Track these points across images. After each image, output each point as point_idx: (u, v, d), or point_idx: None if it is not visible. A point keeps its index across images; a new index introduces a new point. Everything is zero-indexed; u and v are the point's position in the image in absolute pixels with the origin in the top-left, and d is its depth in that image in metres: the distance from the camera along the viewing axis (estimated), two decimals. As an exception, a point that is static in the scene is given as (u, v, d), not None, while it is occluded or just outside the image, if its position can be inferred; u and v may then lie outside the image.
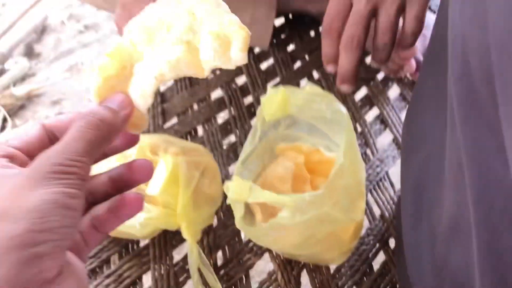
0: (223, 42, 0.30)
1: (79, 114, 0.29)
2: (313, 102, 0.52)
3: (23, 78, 1.53)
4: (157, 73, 0.30)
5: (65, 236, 0.24)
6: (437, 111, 0.36)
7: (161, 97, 0.69)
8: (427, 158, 0.39)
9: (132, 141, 0.33)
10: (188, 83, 0.71)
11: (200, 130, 0.66)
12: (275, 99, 0.52)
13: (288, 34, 0.83)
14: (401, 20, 0.53)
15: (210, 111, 0.67)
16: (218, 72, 0.75)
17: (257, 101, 0.70)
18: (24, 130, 0.30)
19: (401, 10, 0.50)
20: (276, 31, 0.82)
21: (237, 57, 0.30)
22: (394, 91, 0.74)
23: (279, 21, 0.85)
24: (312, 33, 0.83)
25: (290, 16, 0.86)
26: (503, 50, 0.21)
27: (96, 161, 0.31)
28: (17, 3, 2.06)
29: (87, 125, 0.28)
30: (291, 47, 0.81)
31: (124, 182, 0.31)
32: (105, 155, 0.32)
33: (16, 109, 1.38)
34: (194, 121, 0.66)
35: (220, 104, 0.69)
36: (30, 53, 1.67)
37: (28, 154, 0.29)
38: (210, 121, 0.66)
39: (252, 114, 0.68)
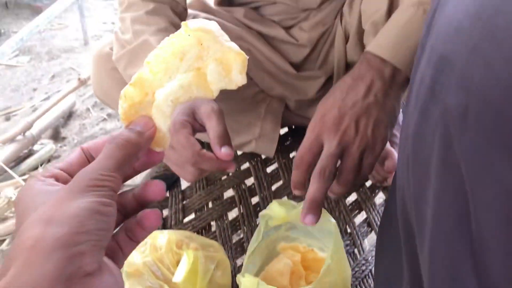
0: (226, 66, 0.35)
1: (111, 137, 0.34)
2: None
3: (49, 160, 1.67)
4: (173, 97, 0.35)
5: (101, 237, 0.29)
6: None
7: (182, 194, 0.81)
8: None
9: (158, 158, 0.37)
10: (205, 183, 0.84)
11: (213, 226, 0.77)
12: (277, 210, 0.64)
13: (291, 142, 0.97)
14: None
15: (222, 208, 0.79)
16: (230, 174, 0.88)
17: (263, 201, 0.82)
18: (69, 155, 0.36)
19: (362, 154, 0.58)
20: (281, 139, 0.96)
21: (238, 79, 0.36)
22: (380, 198, 0.86)
23: (283, 130, 1.00)
24: (312, 143, 0.97)
25: (293, 126, 1.01)
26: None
27: (128, 177, 0.36)
28: (49, 89, 2.27)
29: (116, 146, 0.33)
30: (293, 154, 0.94)
31: (142, 198, 0.36)
32: (136, 171, 0.37)
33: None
34: (209, 217, 0.77)
35: (231, 203, 0.81)
36: (56, 136, 1.83)
37: (70, 173, 0.34)
38: (222, 217, 0.78)
39: (258, 213, 0.80)
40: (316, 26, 0.86)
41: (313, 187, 0.55)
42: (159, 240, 0.60)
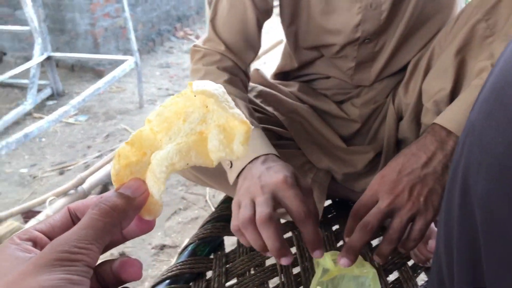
0: (228, 134, 0.32)
1: (97, 200, 0.31)
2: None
3: (96, 215, 1.74)
4: (168, 162, 0.31)
5: None
6: None
7: (225, 258, 0.83)
8: None
9: (147, 227, 0.34)
10: (248, 249, 0.86)
11: (254, 292, 0.78)
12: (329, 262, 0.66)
13: (335, 215, 0.98)
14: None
15: (264, 276, 0.80)
16: (273, 241, 0.89)
17: (304, 272, 0.83)
18: (53, 215, 0.32)
19: (412, 219, 0.62)
20: (324, 211, 0.97)
21: (239, 150, 0.32)
22: (421, 279, 0.85)
23: (327, 202, 1.01)
24: (355, 217, 0.98)
25: (337, 199, 1.03)
26: None
27: (109, 246, 0.33)
28: (102, 147, 2.39)
29: (98, 212, 0.29)
30: (335, 227, 0.95)
31: (118, 275, 0.32)
32: (118, 241, 0.34)
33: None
34: (250, 283, 0.78)
35: (273, 271, 0.82)
36: (105, 192, 1.91)
37: (51, 237, 0.31)
38: (263, 285, 0.79)
39: (299, 283, 0.80)
40: (368, 103, 0.90)
41: (355, 235, 0.61)
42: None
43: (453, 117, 0.64)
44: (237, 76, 0.83)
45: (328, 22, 0.83)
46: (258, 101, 0.95)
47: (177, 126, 0.33)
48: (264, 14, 0.84)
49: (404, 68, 0.87)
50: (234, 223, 0.63)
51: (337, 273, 0.68)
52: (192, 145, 0.32)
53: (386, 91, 0.91)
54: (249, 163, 0.69)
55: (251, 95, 0.96)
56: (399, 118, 0.88)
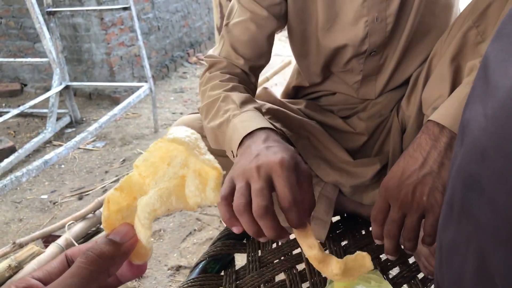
0: (203, 179, 0.32)
1: (86, 248, 0.31)
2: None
3: (113, 238, 1.77)
4: (150, 208, 0.32)
5: None
6: None
7: (235, 274, 0.85)
8: None
9: (139, 271, 0.34)
10: (258, 265, 0.88)
11: (264, 307, 0.80)
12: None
13: (343, 231, 1.00)
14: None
15: (273, 291, 0.82)
16: (283, 257, 0.91)
17: (313, 287, 0.84)
18: (50, 262, 0.33)
19: (422, 217, 0.66)
20: (332, 226, 0.99)
21: (210, 196, 0.32)
22: (432, 291, 0.86)
23: (336, 218, 1.03)
24: (363, 232, 0.99)
25: (345, 215, 1.04)
26: None
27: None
28: (119, 172, 2.44)
29: (85, 261, 0.30)
30: (344, 242, 0.97)
31: None
32: (114, 285, 0.34)
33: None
34: (260, 299, 0.80)
35: (282, 286, 0.84)
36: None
37: (48, 283, 0.31)
38: (273, 300, 0.81)
39: (308, 298, 0.82)
40: (373, 116, 0.93)
41: (386, 244, 0.70)
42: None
43: (445, 112, 0.66)
44: (241, 79, 0.87)
45: (336, 39, 0.86)
46: (267, 117, 0.99)
47: (162, 171, 0.33)
48: (276, 21, 0.87)
49: (407, 82, 0.90)
50: (222, 203, 0.62)
51: (354, 284, 0.70)
52: (173, 190, 0.32)
53: (390, 105, 0.94)
54: (250, 138, 0.69)
55: None
56: (403, 130, 0.90)
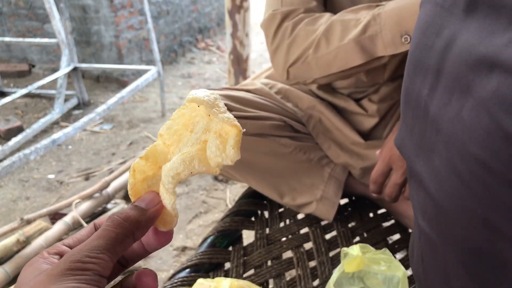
0: (223, 140, 0.32)
1: (113, 214, 0.32)
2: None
3: (120, 217, 1.79)
4: (174, 172, 0.32)
5: None
6: None
7: (243, 250, 0.86)
8: None
9: (165, 239, 0.34)
10: (266, 243, 0.88)
11: (271, 283, 0.80)
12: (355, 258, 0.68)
13: (351, 213, 1.00)
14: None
15: (281, 268, 0.83)
16: (290, 236, 0.92)
17: (320, 265, 0.85)
18: (80, 230, 0.34)
19: None
20: (341, 208, 0.99)
21: (230, 153, 0.32)
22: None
23: (344, 201, 1.03)
24: (371, 214, 0.99)
25: (354, 197, 1.04)
26: None
27: (134, 259, 0.35)
28: (126, 154, 2.45)
29: (111, 224, 0.30)
30: (352, 224, 0.97)
31: (135, 286, 0.33)
32: (142, 254, 0.35)
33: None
34: (267, 274, 0.81)
35: (289, 264, 0.84)
36: (128, 197, 1.96)
37: None
38: (280, 276, 0.81)
39: (315, 276, 0.82)
40: (385, 98, 0.92)
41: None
42: (223, 285, 0.65)
43: None
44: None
45: None
46: (278, 97, 0.98)
47: (186, 138, 0.34)
48: None
49: None
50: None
51: (365, 265, 0.70)
52: (195, 154, 0.32)
53: None
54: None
55: (272, 91, 0.99)
56: None
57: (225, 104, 0.34)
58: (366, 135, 0.96)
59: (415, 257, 0.48)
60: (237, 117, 0.34)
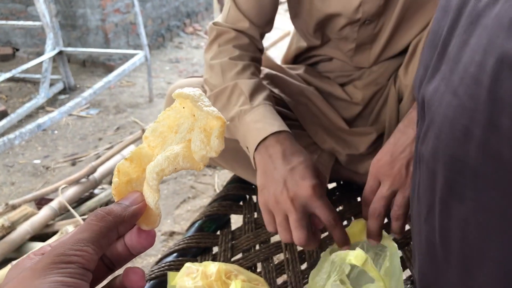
0: (208, 134, 0.34)
1: (96, 210, 0.32)
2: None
3: (107, 203, 1.77)
4: (158, 169, 0.33)
5: None
6: None
7: (231, 234, 0.86)
8: None
9: (148, 241, 0.35)
10: (254, 226, 0.88)
11: (259, 267, 0.80)
12: (356, 227, 0.70)
13: (339, 197, 1.00)
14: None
15: (269, 252, 0.83)
16: (278, 221, 0.91)
17: (307, 250, 0.85)
18: (69, 232, 0.34)
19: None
20: (329, 193, 0.99)
21: (214, 144, 0.33)
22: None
23: (332, 185, 1.03)
24: (359, 199, 1.00)
25: (341, 182, 1.05)
26: None
27: (121, 262, 0.35)
28: (113, 139, 2.43)
29: (94, 218, 0.31)
30: (339, 208, 0.97)
31: (123, 284, 0.34)
32: (127, 257, 0.35)
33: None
34: (256, 258, 0.81)
35: (278, 247, 0.84)
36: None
37: None
38: (268, 260, 0.81)
39: (303, 260, 0.82)
40: (369, 85, 0.92)
41: (369, 222, 0.69)
42: (210, 268, 0.64)
43: None
44: (251, 51, 0.86)
45: (329, 7, 0.84)
46: (265, 83, 0.97)
47: (170, 139, 0.35)
48: None
49: (404, 51, 0.89)
50: (269, 229, 0.72)
51: (359, 239, 0.72)
52: (180, 151, 0.33)
53: (387, 74, 0.92)
54: (265, 148, 0.72)
55: None
56: (400, 99, 0.90)
57: None
58: (352, 122, 0.96)
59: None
60: None
